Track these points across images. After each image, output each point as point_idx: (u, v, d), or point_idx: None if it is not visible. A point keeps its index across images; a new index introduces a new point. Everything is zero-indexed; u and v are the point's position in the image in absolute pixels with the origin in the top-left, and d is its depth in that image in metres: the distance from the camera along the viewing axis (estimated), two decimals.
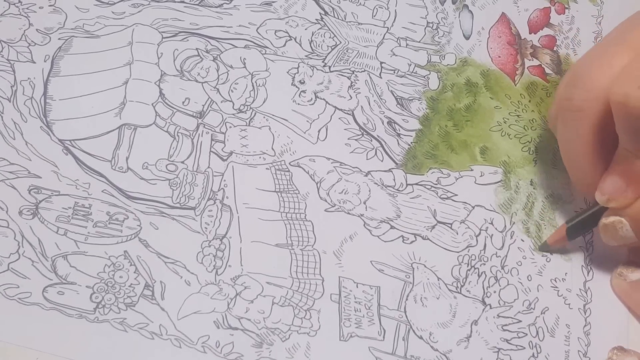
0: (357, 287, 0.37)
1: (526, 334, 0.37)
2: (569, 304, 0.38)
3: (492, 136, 0.42)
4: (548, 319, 0.38)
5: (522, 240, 0.40)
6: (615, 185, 0.35)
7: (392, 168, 0.40)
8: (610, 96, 0.33)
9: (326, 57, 0.43)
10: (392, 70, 0.43)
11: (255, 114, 0.41)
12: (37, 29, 0.41)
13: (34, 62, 0.40)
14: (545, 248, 0.39)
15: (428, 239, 0.39)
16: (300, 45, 0.43)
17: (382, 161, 0.41)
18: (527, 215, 0.40)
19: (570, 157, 0.38)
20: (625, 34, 0.36)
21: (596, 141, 0.35)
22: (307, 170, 0.40)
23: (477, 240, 0.39)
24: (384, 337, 0.36)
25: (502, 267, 0.39)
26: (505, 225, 0.40)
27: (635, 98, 0.31)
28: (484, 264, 0.39)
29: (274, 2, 0.44)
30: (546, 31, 0.47)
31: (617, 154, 0.35)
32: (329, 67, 0.43)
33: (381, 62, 0.44)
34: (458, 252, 0.39)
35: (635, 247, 0.39)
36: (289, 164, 0.40)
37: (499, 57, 0.45)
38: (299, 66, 0.43)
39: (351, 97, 0.42)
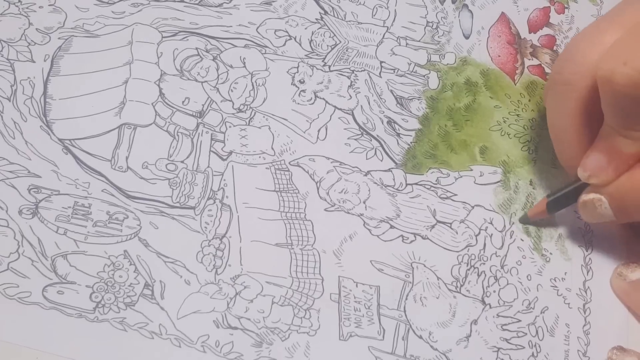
0: (356, 286, 0.37)
1: (526, 334, 0.37)
2: (569, 304, 0.38)
3: (491, 136, 0.42)
4: (548, 318, 0.38)
5: (522, 240, 0.40)
6: (597, 162, 0.35)
7: (392, 168, 0.41)
8: (597, 72, 0.33)
9: (326, 56, 0.43)
10: (391, 69, 0.43)
11: (255, 113, 0.41)
12: (37, 29, 0.41)
13: (34, 62, 0.40)
14: (525, 220, 0.40)
15: (428, 238, 0.39)
16: (300, 44, 0.43)
17: (381, 161, 0.41)
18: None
19: (556, 131, 0.38)
20: (618, 12, 0.36)
21: (582, 116, 0.36)
22: (306, 169, 0.40)
23: (476, 240, 0.39)
24: (383, 336, 0.36)
25: (502, 267, 0.39)
26: (504, 225, 0.40)
27: (621, 74, 0.31)
28: (484, 264, 0.39)
29: (273, 1, 0.44)
30: (546, 31, 0.47)
31: (601, 131, 0.35)
32: (329, 67, 0.43)
33: (381, 62, 0.44)
34: (458, 251, 0.39)
35: (634, 246, 0.39)
36: (289, 163, 0.40)
37: (499, 56, 0.45)
38: (298, 66, 0.43)
39: (351, 97, 0.42)
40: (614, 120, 0.34)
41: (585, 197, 0.37)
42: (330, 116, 0.41)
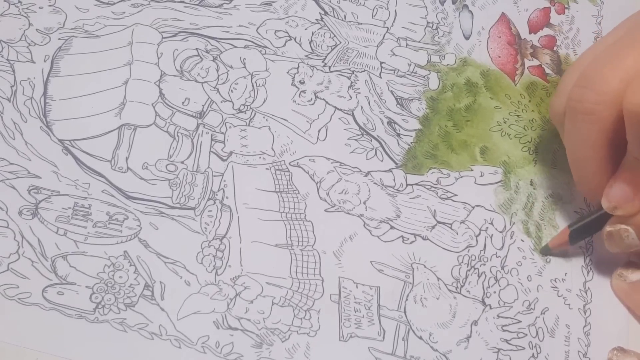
0: (357, 287, 0.37)
1: (526, 335, 0.37)
2: (569, 305, 0.38)
3: (492, 136, 0.42)
4: (548, 319, 0.38)
5: (522, 241, 0.40)
6: (622, 193, 0.35)
7: (392, 168, 0.40)
8: (624, 104, 0.32)
9: (326, 57, 0.43)
10: (392, 70, 0.43)
11: (255, 114, 0.41)
12: (37, 29, 0.41)
13: (34, 62, 0.40)
14: (546, 251, 0.39)
15: (428, 239, 0.39)
16: (300, 45, 0.43)
17: (382, 161, 0.41)
18: (527, 216, 0.40)
19: (576, 160, 0.37)
20: (635, 33, 0.35)
21: (605, 146, 0.35)
22: (307, 170, 0.40)
23: (477, 241, 0.39)
24: (383, 337, 0.36)
25: (502, 268, 0.39)
26: (505, 226, 0.40)
27: None
28: (484, 264, 0.39)
29: (273, 2, 0.44)
30: (546, 31, 0.47)
31: (625, 160, 0.35)
32: (329, 67, 0.43)
33: (381, 62, 0.44)
34: (458, 252, 0.39)
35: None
36: (289, 164, 0.40)
37: (499, 57, 0.45)
38: (298, 66, 0.43)
39: (351, 97, 0.42)
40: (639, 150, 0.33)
41: (611, 228, 0.36)
42: (331, 117, 0.41)
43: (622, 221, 0.36)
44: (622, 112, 0.33)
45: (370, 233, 0.38)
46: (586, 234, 0.38)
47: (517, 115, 0.43)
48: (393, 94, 0.43)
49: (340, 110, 0.42)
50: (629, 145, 0.34)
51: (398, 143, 0.41)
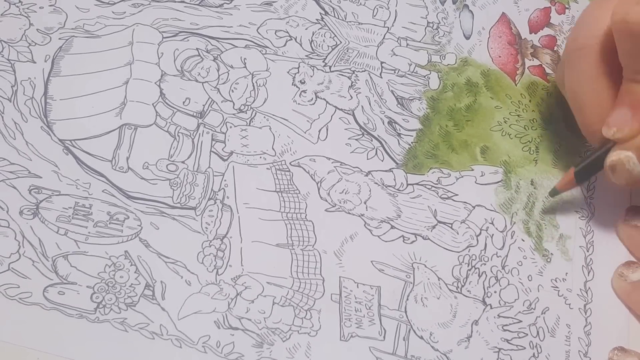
0: (357, 287, 0.37)
1: (527, 334, 0.37)
2: (570, 304, 0.38)
3: (492, 136, 0.42)
4: (548, 319, 0.38)
5: (523, 240, 0.40)
6: (621, 116, 0.35)
7: (393, 168, 0.40)
8: (612, 19, 0.34)
9: (326, 57, 0.43)
10: (392, 70, 0.43)
11: (255, 113, 0.41)
12: (37, 29, 0.41)
13: (35, 62, 0.40)
14: (554, 193, 0.40)
15: (428, 238, 0.39)
16: (301, 45, 0.43)
17: (382, 161, 0.41)
18: (527, 215, 0.40)
19: (576, 98, 0.38)
20: None
21: (601, 78, 0.36)
22: (307, 170, 0.40)
23: (477, 240, 0.39)
24: (384, 337, 0.36)
25: (503, 267, 0.39)
26: (505, 225, 0.40)
27: (635, 12, 0.32)
28: (485, 264, 0.39)
29: (274, 2, 0.44)
30: (547, 31, 0.47)
31: (622, 87, 0.36)
32: (330, 67, 0.43)
33: (381, 62, 0.44)
34: (458, 252, 0.39)
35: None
36: (290, 163, 0.40)
37: (500, 57, 0.45)
38: (299, 66, 0.43)
39: (352, 97, 0.42)
40: (633, 67, 0.34)
41: (612, 157, 0.36)
42: (331, 116, 0.41)
43: (623, 148, 0.36)
44: (614, 44, 0.34)
45: (371, 233, 0.38)
46: (591, 172, 0.38)
47: (518, 115, 0.43)
48: (393, 94, 0.43)
49: (341, 110, 0.42)
50: (622, 65, 0.35)
51: (399, 143, 0.41)
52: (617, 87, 0.36)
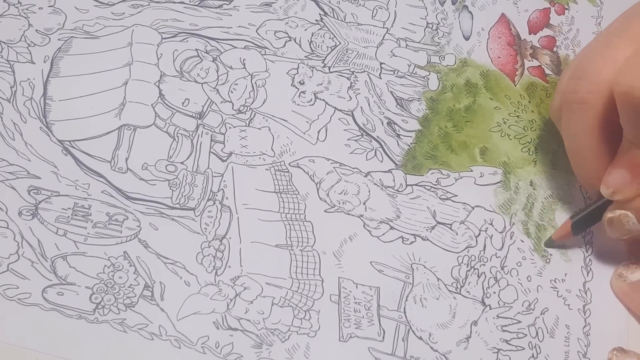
0: (356, 287, 0.37)
1: (526, 335, 0.37)
2: (569, 305, 0.38)
3: (491, 137, 0.42)
4: (548, 319, 0.38)
5: (522, 241, 0.40)
6: (620, 177, 0.35)
7: (392, 169, 0.40)
8: (615, 87, 0.33)
9: (326, 57, 0.43)
10: (391, 70, 0.43)
11: (254, 114, 0.41)
12: (36, 30, 0.41)
13: (34, 63, 0.40)
14: (550, 244, 0.40)
15: (428, 239, 0.39)
16: (300, 46, 0.43)
17: (381, 162, 0.41)
18: (526, 216, 0.40)
19: (574, 151, 0.38)
20: (626, 25, 0.36)
21: (601, 133, 0.36)
22: (306, 170, 0.40)
23: (476, 241, 0.39)
24: (383, 337, 0.36)
25: (502, 268, 0.39)
26: (505, 226, 0.40)
27: (639, 89, 0.32)
28: (484, 265, 0.39)
29: (273, 2, 0.44)
30: (546, 32, 0.47)
31: (621, 147, 0.35)
32: (329, 68, 0.43)
33: (381, 63, 0.44)
34: (458, 252, 0.39)
35: (634, 248, 0.39)
36: (289, 164, 0.40)
37: (499, 57, 0.45)
38: (298, 67, 0.43)
39: (351, 98, 0.42)
40: (634, 135, 0.34)
41: (611, 214, 0.36)
42: (330, 117, 0.41)
43: (621, 207, 0.36)
44: (614, 100, 0.34)
45: (370, 233, 0.38)
46: (588, 224, 0.39)
47: (517, 116, 0.43)
48: (393, 95, 0.43)
49: (340, 110, 0.42)
50: (623, 129, 0.34)
51: (398, 144, 0.41)
52: (617, 142, 0.36)
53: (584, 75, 0.35)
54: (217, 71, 0.42)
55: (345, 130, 0.41)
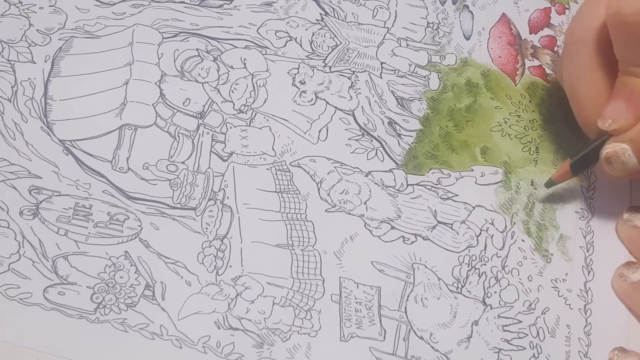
0: (357, 287, 0.37)
1: (527, 335, 0.37)
2: (570, 305, 0.38)
3: (492, 136, 0.42)
4: (549, 319, 0.38)
5: (523, 241, 0.40)
6: (616, 108, 0.36)
7: (393, 168, 0.40)
8: (607, 11, 0.34)
9: (326, 57, 0.43)
10: (392, 70, 0.43)
11: (255, 114, 0.41)
12: (37, 30, 0.41)
13: (35, 63, 0.40)
14: (550, 184, 0.40)
15: (429, 239, 0.39)
16: (301, 45, 0.43)
17: (382, 161, 0.41)
18: (527, 216, 0.40)
19: (573, 90, 0.39)
20: None
21: (599, 72, 0.37)
22: (307, 170, 0.40)
23: (477, 241, 0.39)
24: (384, 337, 0.36)
25: (503, 268, 0.39)
26: (505, 226, 0.40)
27: (628, 5, 0.33)
28: (485, 265, 0.39)
29: (274, 2, 0.44)
30: (547, 31, 0.47)
31: (617, 81, 0.36)
32: (330, 68, 0.43)
33: (382, 63, 0.44)
34: (459, 252, 0.39)
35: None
36: (290, 164, 0.40)
37: (500, 57, 0.45)
38: (299, 66, 0.43)
39: (352, 98, 0.42)
40: (628, 58, 0.35)
41: (607, 149, 0.37)
42: (331, 117, 0.41)
43: (618, 140, 0.36)
44: (610, 38, 0.35)
45: (371, 233, 0.38)
46: (587, 164, 0.39)
47: (518, 116, 0.43)
48: (394, 94, 0.43)
49: (341, 110, 0.42)
50: (618, 59, 0.35)
51: (399, 143, 0.41)
52: (614, 80, 0.36)
53: (580, 17, 0.38)
54: (218, 71, 0.42)
55: (346, 129, 0.41)
